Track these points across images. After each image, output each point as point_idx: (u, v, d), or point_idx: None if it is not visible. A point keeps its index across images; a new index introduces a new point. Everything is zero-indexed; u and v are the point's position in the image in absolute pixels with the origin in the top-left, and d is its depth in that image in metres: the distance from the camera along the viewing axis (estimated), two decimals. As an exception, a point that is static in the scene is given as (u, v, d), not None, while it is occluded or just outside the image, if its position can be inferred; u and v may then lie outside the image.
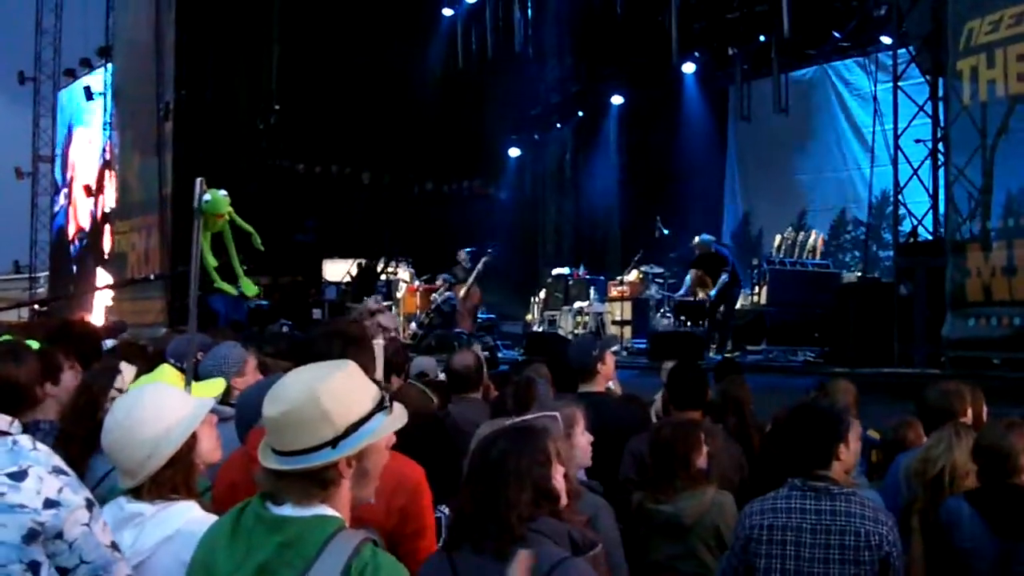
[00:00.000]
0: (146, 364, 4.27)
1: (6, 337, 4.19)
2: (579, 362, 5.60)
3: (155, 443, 2.71)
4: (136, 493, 2.73)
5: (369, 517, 2.53)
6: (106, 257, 21.42)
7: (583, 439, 3.83)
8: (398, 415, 2.40)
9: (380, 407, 2.35)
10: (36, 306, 19.24)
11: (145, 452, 2.70)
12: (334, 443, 2.26)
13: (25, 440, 2.65)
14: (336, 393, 2.29)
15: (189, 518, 2.69)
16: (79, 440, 3.42)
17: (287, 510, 2.25)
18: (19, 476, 2.54)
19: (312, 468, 2.24)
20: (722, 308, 13.91)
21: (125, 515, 2.73)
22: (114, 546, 2.60)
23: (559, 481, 2.81)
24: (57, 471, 2.62)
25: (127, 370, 3.86)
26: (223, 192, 3.90)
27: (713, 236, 14.78)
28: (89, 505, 2.60)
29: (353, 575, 2.18)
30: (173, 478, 2.73)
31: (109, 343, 6.78)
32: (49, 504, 2.54)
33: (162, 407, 2.77)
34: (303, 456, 2.24)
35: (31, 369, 3.27)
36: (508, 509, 2.67)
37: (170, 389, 2.90)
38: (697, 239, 14.38)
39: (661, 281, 15.73)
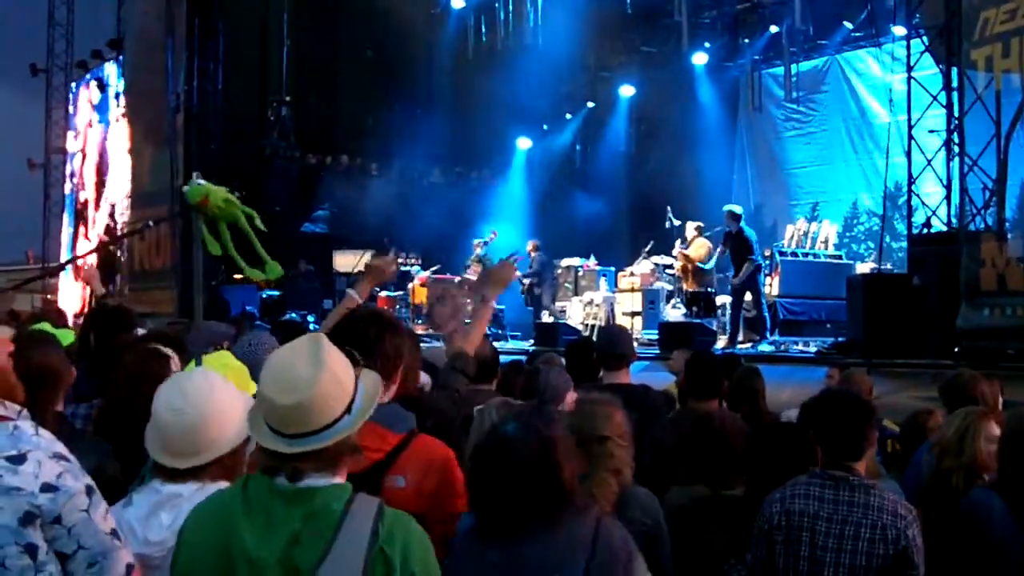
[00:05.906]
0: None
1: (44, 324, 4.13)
2: (620, 350, 5.44)
3: (224, 429, 2.77)
4: (173, 475, 2.75)
5: (400, 502, 2.53)
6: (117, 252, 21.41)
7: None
8: (370, 371, 2.49)
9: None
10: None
11: (220, 436, 2.76)
12: (349, 409, 2.33)
13: (26, 426, 2.64)
14: (340, 361, 2.36)
15: None
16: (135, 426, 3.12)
17: (308, 482, 2.28)
18: (18, 460, 2.53)
19: (338, 440, 2.29)
20: (749, 297, 13.61)
21: (162, 497, 2.75)
22: (114, 533, 2.61)
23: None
24: (58, 457, 2.60)
25: (175, 357, 3.85)
26: (199, 180, 3.88)
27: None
28: (89, 492, 2.60)
29: (383, 536, 2.23)
30: (230, 464, 2.78)
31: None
32: (47, 488, 2.53)
33: (235, 396, 2.84)
34: (324, 432, 2.28)
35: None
36: (547, 490, 2.64)
37: (226, 380, 2.92)
38: (727, 208, 14.00)
39: (672, 272, 15.72)
